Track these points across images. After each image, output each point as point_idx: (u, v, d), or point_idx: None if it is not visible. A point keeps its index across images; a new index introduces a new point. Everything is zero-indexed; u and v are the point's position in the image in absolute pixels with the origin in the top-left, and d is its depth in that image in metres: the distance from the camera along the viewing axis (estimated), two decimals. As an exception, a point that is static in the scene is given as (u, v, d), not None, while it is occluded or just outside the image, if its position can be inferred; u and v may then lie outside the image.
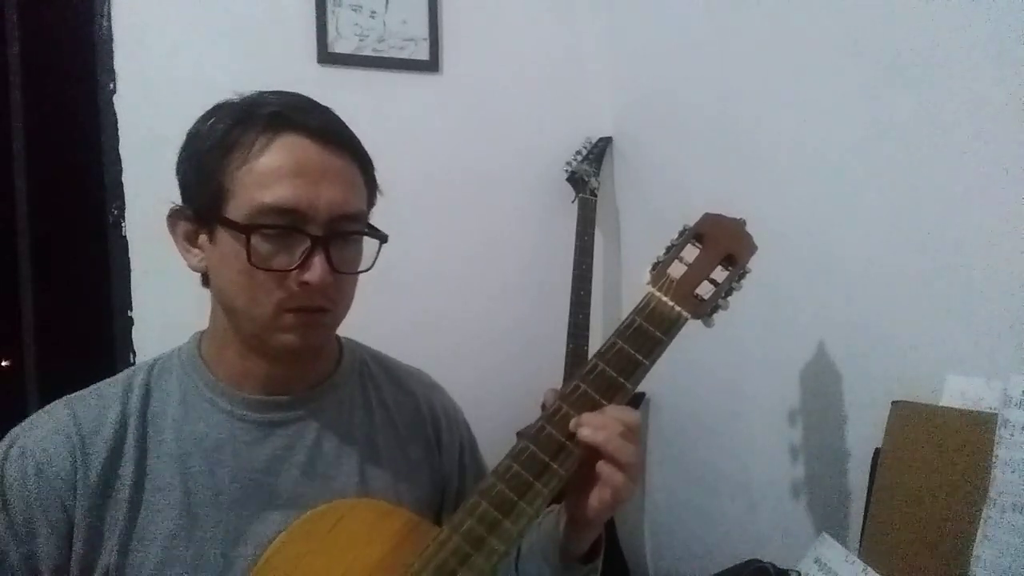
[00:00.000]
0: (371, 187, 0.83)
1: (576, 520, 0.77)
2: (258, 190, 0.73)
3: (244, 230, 0.73)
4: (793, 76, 1.37)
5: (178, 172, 0.81)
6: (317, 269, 0.74)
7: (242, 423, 0.82)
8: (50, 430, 0.78)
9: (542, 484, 0.72)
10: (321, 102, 0.82)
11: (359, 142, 0.81)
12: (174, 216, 0.81)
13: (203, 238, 0.79)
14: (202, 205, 0.77)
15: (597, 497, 0.73)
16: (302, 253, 0.74)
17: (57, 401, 0.82)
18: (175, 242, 0.82)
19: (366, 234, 0.81)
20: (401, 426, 0.92)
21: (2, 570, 0.74)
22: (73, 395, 0.82)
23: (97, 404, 0.81)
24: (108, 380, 0.84)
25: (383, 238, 0.82)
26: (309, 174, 0.74)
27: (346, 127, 0.80)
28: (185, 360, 0.85)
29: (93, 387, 0.84)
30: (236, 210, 0.74)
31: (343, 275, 0.78)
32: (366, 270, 0.82)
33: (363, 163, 0.81)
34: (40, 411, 0.81)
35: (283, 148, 0.74)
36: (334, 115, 0.80)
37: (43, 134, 1.55)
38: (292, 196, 0.73)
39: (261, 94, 0.79)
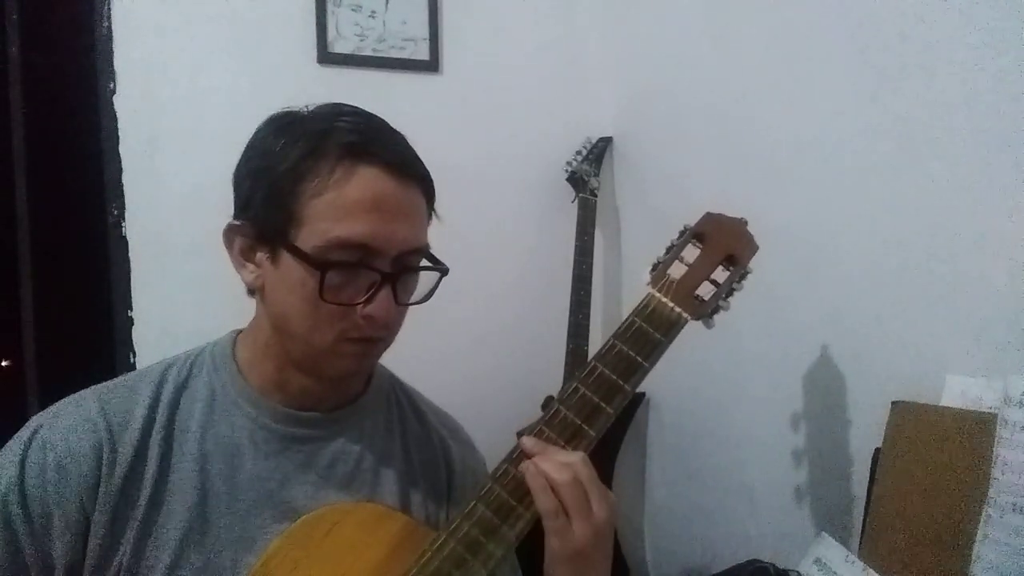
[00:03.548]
0: (431, 213, 0.83)
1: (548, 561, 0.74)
2: (333, 223, 0.72)
3: (318, 265, 0.72)
4: (793, 76, 1.37)
5: (239, 184, 0.79)
6: (383, 304, 0.75)
7: (263, 431, 0.81)
8: (76, 424, 0.77)
9: None
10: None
11: (427, 172, 0.80)
12: (232, 231, 0.79)
13: (261, 256, 0.78)
14: (267, 227, 0.76)
15: (548, 549, 0.71)
16: (369, 287, 0.74)
17: (87, 391, 0.80)
18: (229, 256, 0.80)
19: (430, 268, 0.81)
20: (416, 460, 0.91)
21: (16, 564, 0.73)
22: (103, 386, 0.81)
23: (127, 398, 0.80)
24: (140, 372, 0.84)
25: (444, 271, 0.82)
26: (384, 210, 0.74)
27: (417, 156, 0.80)
28: (218, 359, 0.84)
29: (125, 378, 0.83)
30: (307, 240, 0.73)
31: (404, 306, 0.79)
32: (423, 301, 0.82)
33: (429, 193, 0.81)
34: (67, 399, 0.80)
35: (361, 182, 0.73)
36: (405, 143, 0.80)
37: (43, 134, 1.55)
38: (368, 233, 0.73)
39: (334, 113, 0.77)
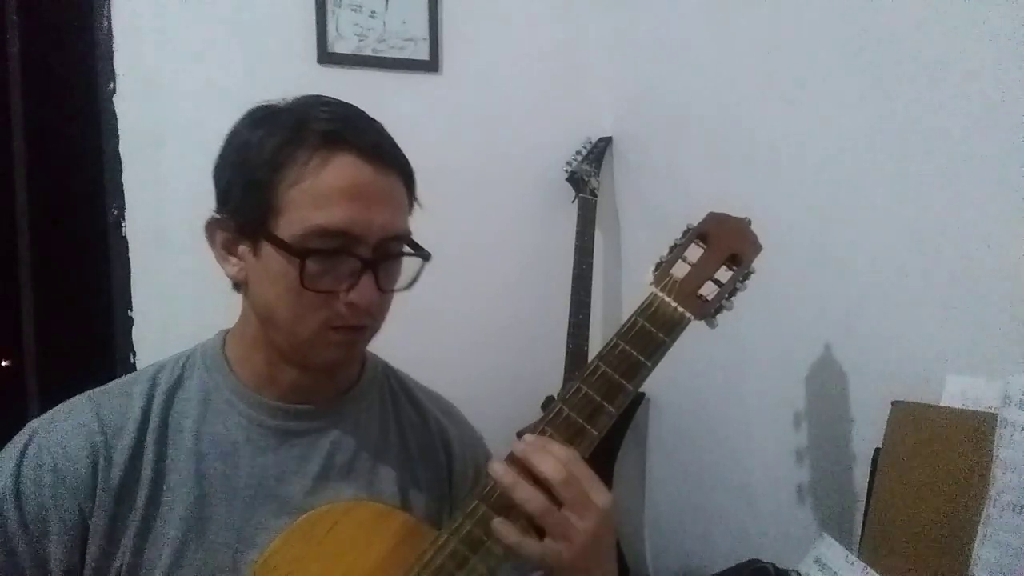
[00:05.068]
0: (412, 201, 0.83)
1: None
2: (311, 211, 0.73)
3: (298, 253, 0.72)
4: (793, 76, 1.37)
5: (218, 178, 0.79)
6: (366, 291, 0.74)
7: (259, 428, 0.82)
8: (72, 428, 0.77)
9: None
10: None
11: (406, 158, 0.80)
12: (213, 225, 0.79)
13: (243, 249, 0.78)
14: (247, 218, 0.76)
15: (552, 547, 0.70)
16: (351, 274, 0.75)
17: (81, 396, 0.81)
18: (212, 250, 0.80)
19: (412, 254, 0.81)
20: (414, 447, 0.91)
21: (13, 568, 0.73)
22: (97, 391, 0.82)
23: (122, 402, 0.80)
24: (133, 376, 0.84)
25: (427, 256, 0.82)
26: (363, 197, 0.74)
27: (394, 143, 0.80)
28: (209, 359, 0.84)
29: (118, 383, 0.83)
30: (286, 229, 0.73)
31: (388, 293, 0.79)
32: (408, 287, 0.82)
33: (408, 180, 0.81)
34: (63, 405, 0.80)
35: (338, 169, 0.73)
36: (383, 130, 0.80)
37: (43, 134, 1.55)
38: (347, 219, 0.73)
39: (312, 103, 0.78)
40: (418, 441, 0.91)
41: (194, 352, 0.86)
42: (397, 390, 0.94)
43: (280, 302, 0.76)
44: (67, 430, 0.77)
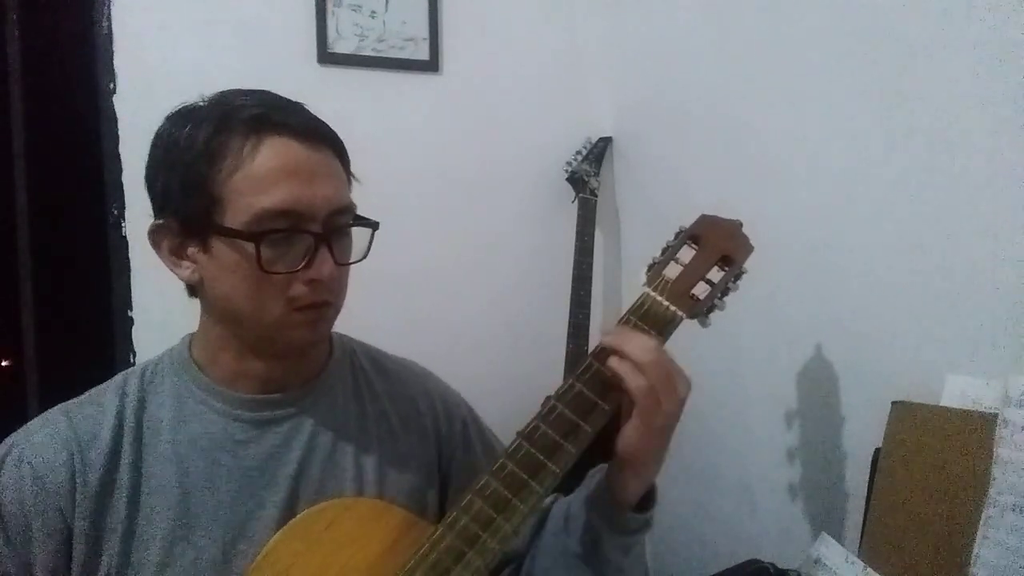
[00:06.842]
0: (349, 176, 0.84)
1: (622, 464, 0.77)
2: (255, 196, 0.73)
3: (252, 238, 0.73)
4: (793, 76, 1.37)
5: (152, 184, 0.79)
6: (325, 266, 0.76)
7: (237, 422, 0.82)
8: (48, 437, 0.78)
9: (537, 483, 0.73)
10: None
11: (335, 134, 0.81)
12: (157, 233, 0.79)
13: (192, 250, 0.78)
14: (191, 217, 0.76)
15: (632, 427, 0.75)
16: (306, 252, 0.75)
17: (53, 409, 0.82)
18: (161, 258, 0.80)
19: (360, 224, 0.82)
20: (393, 417, 0.92)
21: None
22: (69, 403, 0.82)
23: (94, 411, 0.81)
24: (102, 386, 0.84)
25: (375, 226, 0.83)
26: (301, 174, 0.75)
27: (323, 122, 0.81)
28: (176, 363, 0.85)
29: (87, 394, 0.84)
30: (234, 218, 0.74)
31: (344, 267, 0.80)
32: (363, 259, 0.83)
33: (342, 155, 0.82)
34: (36, 418, 0.81)
35: (271, 151, 0.74)
36: (309, 111, 0.81)
37: (43, 134, 1.55)
38: (290, 198, 0.74)
39: (231, 95, 0.79)
40: (397, 411, 0.92)
41: (161, 359, 0.87)
42: (367, 365, 0.95)
43: (239, 293, 0.76)
44: (43, 440, 0.78)
